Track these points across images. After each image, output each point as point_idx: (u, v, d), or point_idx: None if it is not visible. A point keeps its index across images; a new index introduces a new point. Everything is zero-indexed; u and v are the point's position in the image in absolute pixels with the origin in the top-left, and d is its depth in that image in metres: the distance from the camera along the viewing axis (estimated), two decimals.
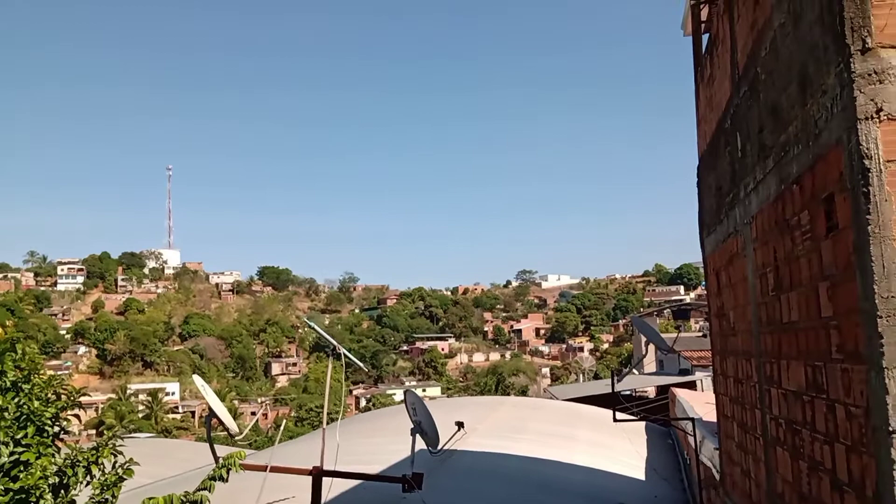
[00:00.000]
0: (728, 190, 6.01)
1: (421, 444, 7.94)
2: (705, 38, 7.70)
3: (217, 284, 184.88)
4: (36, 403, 5.52)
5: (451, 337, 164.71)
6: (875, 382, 2.94)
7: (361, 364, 8.03)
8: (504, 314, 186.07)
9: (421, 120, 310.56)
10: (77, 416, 6.31)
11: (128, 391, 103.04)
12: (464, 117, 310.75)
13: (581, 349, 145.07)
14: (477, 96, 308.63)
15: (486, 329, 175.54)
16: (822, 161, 3.45)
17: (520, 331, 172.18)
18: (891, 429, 2.85)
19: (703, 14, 7.62)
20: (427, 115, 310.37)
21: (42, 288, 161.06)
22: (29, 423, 5.44)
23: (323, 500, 7.02)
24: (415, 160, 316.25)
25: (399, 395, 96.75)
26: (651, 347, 12.20)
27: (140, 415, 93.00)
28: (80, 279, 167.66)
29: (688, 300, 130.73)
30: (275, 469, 7.00)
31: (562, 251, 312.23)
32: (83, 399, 6.14)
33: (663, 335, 14.28)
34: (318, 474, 7.05)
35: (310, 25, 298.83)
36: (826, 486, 3.62)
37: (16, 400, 5.49)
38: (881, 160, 2.97)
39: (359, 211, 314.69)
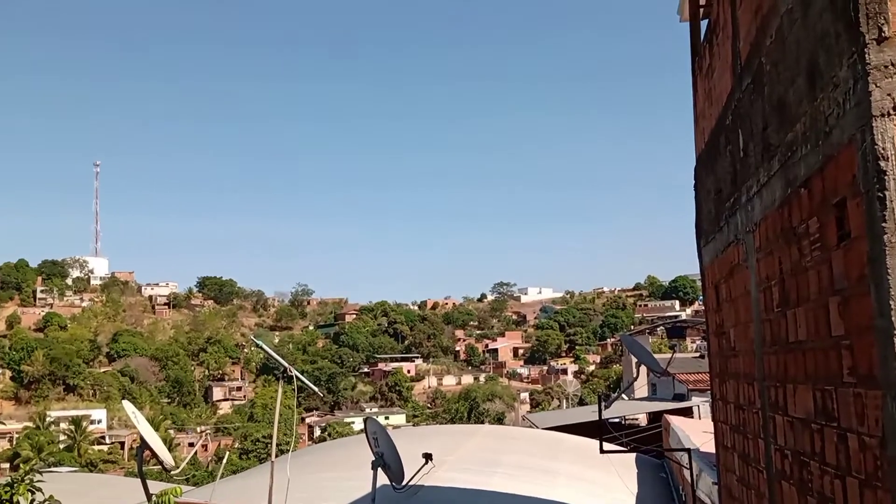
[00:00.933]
0: (729, 194, 6.01)
1: (383, 478, 7.90)
2: (704, 24, 7.72)
3: (151, 297, 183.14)
4: None
5: (417, 357, 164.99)
6: (891, 409, 2.94)
7: (316, 388, 8.10)
8: (478, 332, 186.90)
9: (385, 116, 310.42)
10: None
11: (47, 419, 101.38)
12: (434, 116, 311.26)
13: (564, 371, 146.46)
14: (448, 94, 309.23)
15: (457, 349, 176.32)
16: (832, 162, 3.46)
17: (496, 350, 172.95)
18: None
19: None
20: (392, 112, 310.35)
21: None
22: None
23: None
24: (379, 160, 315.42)
25: (358, 423, 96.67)
26: (643, 369, 12.31)
27: (61, 446, 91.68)
28: None
29: (683, 316, 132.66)
30: None
31: (543, 262, 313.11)
32: None
33: (656, 356, 14.30)
34: None
35: (249, 15, 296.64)
36: None
37: None
38: None
39: (314, 216, 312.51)
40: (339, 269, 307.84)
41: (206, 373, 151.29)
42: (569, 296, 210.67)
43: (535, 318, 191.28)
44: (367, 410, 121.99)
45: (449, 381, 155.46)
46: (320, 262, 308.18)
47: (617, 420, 25.33)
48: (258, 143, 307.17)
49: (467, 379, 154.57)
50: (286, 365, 7.42)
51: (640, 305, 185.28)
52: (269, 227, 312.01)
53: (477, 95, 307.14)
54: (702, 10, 7.75)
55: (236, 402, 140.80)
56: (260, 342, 9.82)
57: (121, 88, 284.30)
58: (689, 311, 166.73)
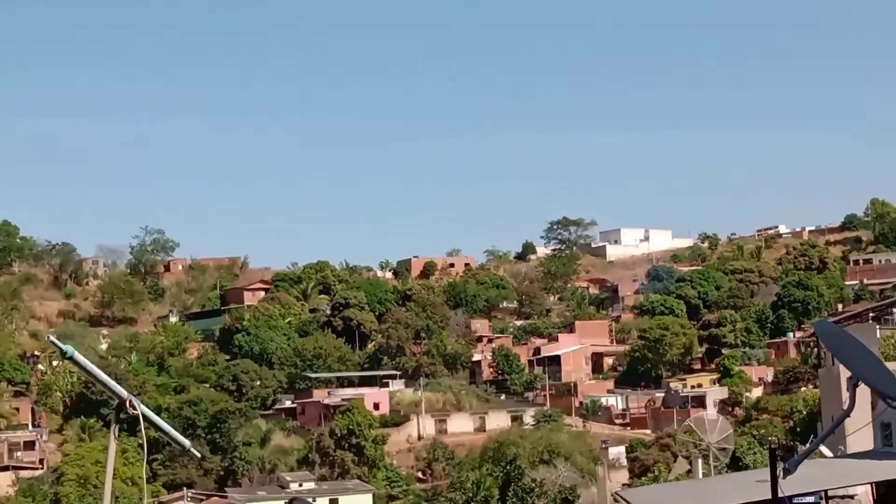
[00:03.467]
0: None
1: None
2: None
3: None
4: None
5: (395, 377, 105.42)
6: None
7: (187, 443, 5.64)
8: (519, 322, 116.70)
9: None
10: None
11: None
12: None
13: (699, 401, 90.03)
14: None
15: (477, 357, 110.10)
16: None
17: (556, 360, 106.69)
18: None
19: None
20: None
21: None
22: None
23: None
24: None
25: None
26: (863, 393, 8.42)
27: None
28: None
29: None
30: None
31: (648, 182, 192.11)
32: None
33: (893, 365, 11.69)
34: None
35: None
36: None
37: None
38: None
39: (173, 108, 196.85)
40: (226, 202, 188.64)
41: None
42: (707, 244, 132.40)
43: (637, 291, 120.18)
44: (294, 487, 77.00)
45: (461, 423, 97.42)
46: (189, 191, 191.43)
47: (811, 500, 19.36)
48: None
49: (498, 419, 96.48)
50: (125, 395, 5.08)
51: (857, 263, 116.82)
52: (79, 123, 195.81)
53: None
54: None
55: (24, 473, 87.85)
56: (69, 349, 5.43)
57: None
58: None
